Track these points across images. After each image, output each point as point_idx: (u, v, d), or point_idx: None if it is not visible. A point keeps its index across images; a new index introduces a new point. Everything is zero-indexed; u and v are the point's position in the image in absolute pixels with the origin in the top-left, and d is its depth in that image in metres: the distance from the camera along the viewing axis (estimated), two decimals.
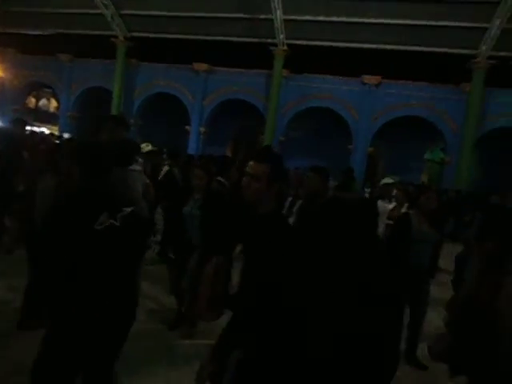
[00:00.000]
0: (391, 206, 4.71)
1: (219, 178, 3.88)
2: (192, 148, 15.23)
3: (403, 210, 4.31)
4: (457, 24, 11.97)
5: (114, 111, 15.50)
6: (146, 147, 4.65)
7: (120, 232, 1.79)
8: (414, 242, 3.23)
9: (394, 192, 5.20)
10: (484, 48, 12.27)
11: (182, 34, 14.96)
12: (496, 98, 12.77)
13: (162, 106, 16.46)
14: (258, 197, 1.87)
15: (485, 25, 11.79)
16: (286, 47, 14.13)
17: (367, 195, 8.46)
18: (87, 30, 15.91)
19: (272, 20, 13.40)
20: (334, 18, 12.74)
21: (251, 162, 1.87)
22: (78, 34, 16.18)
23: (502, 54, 12.23)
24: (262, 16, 13.48)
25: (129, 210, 1.86)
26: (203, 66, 15.33)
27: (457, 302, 2.75)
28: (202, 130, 15.75)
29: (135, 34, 15.79)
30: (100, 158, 1.89)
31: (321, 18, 12.89)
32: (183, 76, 15.70)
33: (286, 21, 13.39)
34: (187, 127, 15.91)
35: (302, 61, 13.82)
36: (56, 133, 14.89)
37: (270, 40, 14.05)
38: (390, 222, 4.10)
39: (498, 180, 12.48)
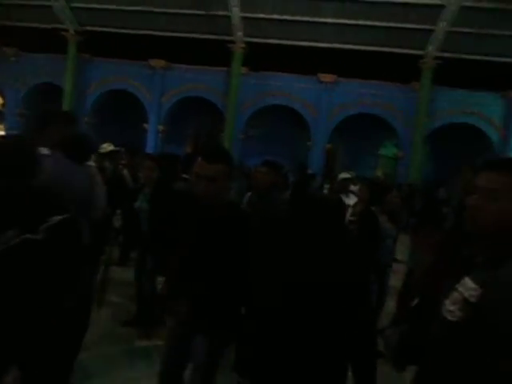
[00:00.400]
0: (351, 201, 4.85)
1: (184, 175, 3.85)
2: (150, 147, 14.92)
3: (363, 206, 4.48)
4: (406, 26, 12.53)
5: (65, 108, 14.84)
6: (108, 147, 4.48)
7: (42, 246, 1.51)
8: (380, 240, 3.40)
9: (352, 187, 5.39)
10: (431, 49, 12.94)
11: (137, 29, 14.56)
12: (443, 96, 13.51)
13: (118, 104, 15.97)
14: (214, 197, 1.85)
15: (431, 27, 12.43)
16: (243, 45, 14.15)
17: (326, 190, 8.68)
18: (35, 23, 15.10)
19: (229, 17, 13.37)
20: (291, 17, 12.91)
21: (202, 163, 1.83)
22: (24, 27, 15.31)
23: (447, 54, 12.93)
24: (220, 13, 13.43)
25: (58, 218, 1.56)
26: (160, 63, 15.03)
27: (405, 292, 2.93)
28: (161, 128, 15.45)
29: (88, 28, 15.18)
30: (13, 158, 1.58)
31: (278, 17, 13.03)
32: (139, 72, 15.31)
33: (243, 18, 13.41)
34: (145, 125, 15.55)
35: (261, 58, 13.91)
36: (1, 132, 14.04)
37: (227, 37, 14.01)
38: (353, 218, 4.24)
39: (447, 173, 13.25)
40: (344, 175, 5.40)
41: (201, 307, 1.90)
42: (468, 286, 1.28)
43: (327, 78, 14.06)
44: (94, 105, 15.85)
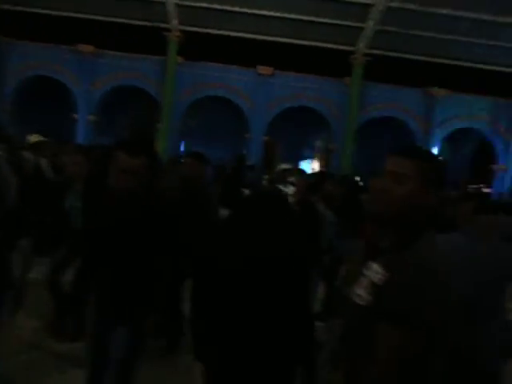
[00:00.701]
0: (290, 191, 4.98)
1: None
2: (81, 138, 14.05)
3: (300, 196, 4.63)
4: (338, 22, 12.99)
5: None
6: (34, 138, 4.14)
7: None
8: (320, 227, 3.54)
9: (291, 178, 5.54)
10: (361, 45, 13.58)
11: (63, 10, 13.54)
12: (373, 91, 14.30)
13: (43, 91, 14.78)
14: (135, 191, 1.85)
15: (361, 24, 13.02)
16: (179, 33, 13.79)
17: (265, 181, 8.86)
18: None
19: (164, 3, 12.94)
20: (230, 8, 12.80)
21: (124, 157, 1.81)
22: None
23: (376, 52, 13.67)
24: None
25: None
26: (89, 48, 14.14)
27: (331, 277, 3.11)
28: (92, 118, 14.60)
29: (5, 7, 13.82)
30: None
31: (215, 6, 12.84)
32: (66, 58, 14.29)
33: (179, 6, 13.05)
34: (74, 115, 14.61)
35: (198, 48, 13.67)
36: None
37: (163, 25, 13.56)
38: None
39: (376, 164, 14.10)
40: (283, 166, 5.54)
41: (117, 296, 1.93)
42: (375, 270, 1.34)
43: (265, 70, 14.20)
44: (14, 91, 14.52)
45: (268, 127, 14.78)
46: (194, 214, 3.00)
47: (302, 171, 5.65)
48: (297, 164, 14.69)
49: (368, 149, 15.50)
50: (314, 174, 6.06)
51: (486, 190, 13.19)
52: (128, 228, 1.90)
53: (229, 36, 13.70)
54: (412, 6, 12.13)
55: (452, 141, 15.73)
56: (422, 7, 12.07)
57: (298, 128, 15.73)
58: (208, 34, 13.70)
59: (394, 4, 12.19)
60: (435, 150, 14.94)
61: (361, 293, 1.38)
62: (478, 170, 14.98)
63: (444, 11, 12.19)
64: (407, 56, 13.76)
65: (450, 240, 2.42)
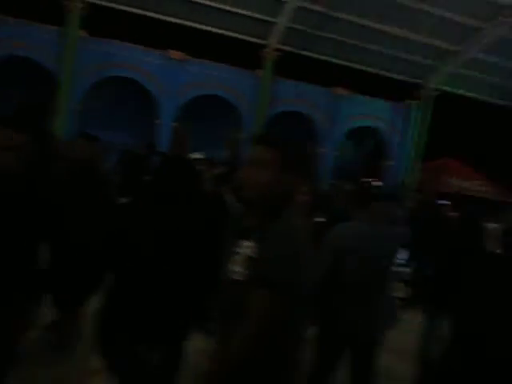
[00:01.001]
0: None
1: None
2: None
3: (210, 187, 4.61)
4: (251, 14, 13.11)
5: None
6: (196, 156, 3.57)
7: None
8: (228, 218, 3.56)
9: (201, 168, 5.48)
10: (273, 40, 13.90)
11: None
12: (282, 86, 14.78)
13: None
14: (15, 169, 1.80)
15: (273, 19, 13.30)
16: (82, 4, 12.64)
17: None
18: None
19: None
20: None
21: (3, 131, 1.75)
22: None
23: (288, 48, 14.13)
24: None
25: None
26: None
27: None
28: None
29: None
30: None
31: None
32: None
33: None
34: None
35: (104, 24, 12.68)
36: None
37: None
38: None
39: None
40: (196, 155, 5.46)
41: None
42: (247, 246, 1.54)
43: (177, 55, 13.76)
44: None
45: (179, 114, 14.41)
46: (84, 199, 2.87)
47: (212, 161, 5.64)
48: (207, 153, 14.56)
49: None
50: (223, 164, 6.08)
51: (377, 183, 14.60)
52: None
53: (139, 15, 12.96)
54: (320, 9, 12.76)
55: (354, 138, 17.13)
56: (329, 11, 12.78)
57: (210, 117, 15.60)
58: (117, 9, 12.77)
59: (304, 4, 12.69)
60: (339, 146, 16.24)
61: (238, 269, 1.56)
62: (374, 165, 16.55)
63: (350, 17, 13.07)
64: (315, 55, 14.48)
65: (348, 225, 2.98)
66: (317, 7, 12.74)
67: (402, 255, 4.15)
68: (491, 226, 3.83)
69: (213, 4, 12.78)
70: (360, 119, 16.33)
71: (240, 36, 13.74)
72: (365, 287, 2.76)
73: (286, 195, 1.56)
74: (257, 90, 14.46)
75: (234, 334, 1.48)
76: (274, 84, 14.55)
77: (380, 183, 15.83)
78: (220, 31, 13.56)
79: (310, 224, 3.51)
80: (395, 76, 15.39)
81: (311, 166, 15.33)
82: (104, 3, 12.63)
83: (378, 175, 14.38)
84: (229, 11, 12.98)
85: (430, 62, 14.81)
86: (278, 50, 14.12)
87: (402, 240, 3.04)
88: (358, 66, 14.86)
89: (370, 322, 2.79)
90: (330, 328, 2.81)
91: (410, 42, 13.87)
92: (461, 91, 15.87)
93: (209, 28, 13.47)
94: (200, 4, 12.78)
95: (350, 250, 2.75)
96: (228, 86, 14.42)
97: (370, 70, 15.00)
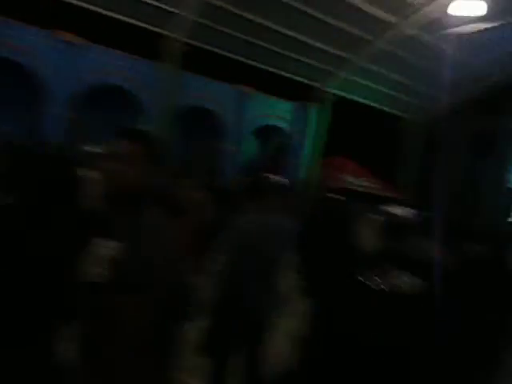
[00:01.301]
0: (95, 176, 4.62)
1: None
2: None
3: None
4: (155, 3, 12.54)
5: None
6: None
7: None
8: None
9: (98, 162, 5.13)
10: (177, 33, 13.47)
11: None
12: (190, 82, 14.50)
13: None
14: None
15: (177, 10, 12.84)
16: None
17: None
18: None
19: None
20: None
21: None
22: None
23: (196, 43, 13.87)
24: None
25: None
26: None
27: None
28: None
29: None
30: None
31: None
32: None
33: None
34: None
35: None
36: None
37: None
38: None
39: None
40: (91, 148, 5.09)
41: None
42: (105, 245, 1.42)
43: (70, 37, 12.57)
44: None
45: (73, 103, 13.23)
46: None
47: (111, 155, 5.30)
48: (105, 146, 13.63)
49: (187, 135, 15.79)
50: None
51: (275, 178, 15.31)
52: None
53: None
54: (221, 4, 12.73)
55: (260, 136, 17.66)
56: (236, 9, 12.89)
57: (109, 108, 14.65)
58: None
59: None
60: (245, 143, 16.61)
61: (95, 271, 1.42)
62: (277, 162, 17.30)
63: (254, 17, 13.33)
64: (223, 52, 14.48)
65: (243, 219, 3.10)
66: (221, 3, 12.72)
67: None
68: (373, 217, 4.22)
69: None
70: (265, 118, 16.88)
71: (143, 25, 13.09)
72: (258, 276, 2.86)
73: (149, 189, 1.51)
74: (161, 83, 13.94)
75: (93, 336, 1.39)
76: (180, 78, 14.17)
77: (278, 178, 16.66)
78: (121, 17, 12.74)
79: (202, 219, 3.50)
80: (298, 78, 16.16)
81: (214, 162, 15.35)
82: None
83: (279, 172, 14.97)
84: None
85: (326, 66, 15.83)
86: (186, 44, 13.75)
87: (295, 231, 3.20)
88: (263, 66, 15.25)
89: (261, 304, 2.90)
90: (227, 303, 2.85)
91: (308, 46, 14.63)
92: (354, 97, 17.32)
93: (109, 13, 12.55)
94: None
95: (244, 243, 2.81)
96: (130, 76, 13.71)
97: (273, 70, 15.50)
